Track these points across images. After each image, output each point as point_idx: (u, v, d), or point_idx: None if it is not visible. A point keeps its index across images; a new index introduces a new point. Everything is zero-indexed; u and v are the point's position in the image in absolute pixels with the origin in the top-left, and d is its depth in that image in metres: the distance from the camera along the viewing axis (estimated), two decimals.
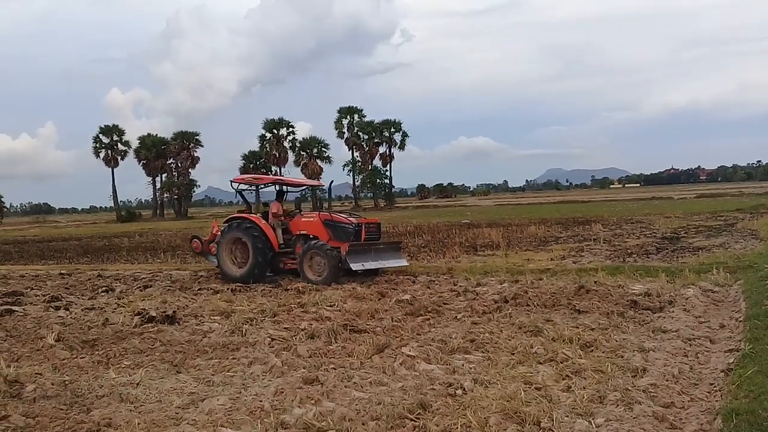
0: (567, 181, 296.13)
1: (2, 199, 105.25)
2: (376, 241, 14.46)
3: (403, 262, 14.72)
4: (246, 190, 16.66)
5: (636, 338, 7.40)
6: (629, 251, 16.66)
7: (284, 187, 16.17)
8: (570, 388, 5.68)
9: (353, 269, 13.32)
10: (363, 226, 14.18)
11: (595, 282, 11.15)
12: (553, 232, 24.78)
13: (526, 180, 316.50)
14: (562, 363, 6.45)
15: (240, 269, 14.47)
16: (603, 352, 6.84)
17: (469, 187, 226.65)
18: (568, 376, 6.04)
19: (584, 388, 5.65)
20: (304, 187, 17.78)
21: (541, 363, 6.52)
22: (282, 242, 14.67)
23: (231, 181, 15.76)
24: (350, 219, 14.52)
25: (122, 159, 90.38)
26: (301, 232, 14.46)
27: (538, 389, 5.64)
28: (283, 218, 15.11)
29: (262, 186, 17.43)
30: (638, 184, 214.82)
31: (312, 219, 14.52)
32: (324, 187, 17.58)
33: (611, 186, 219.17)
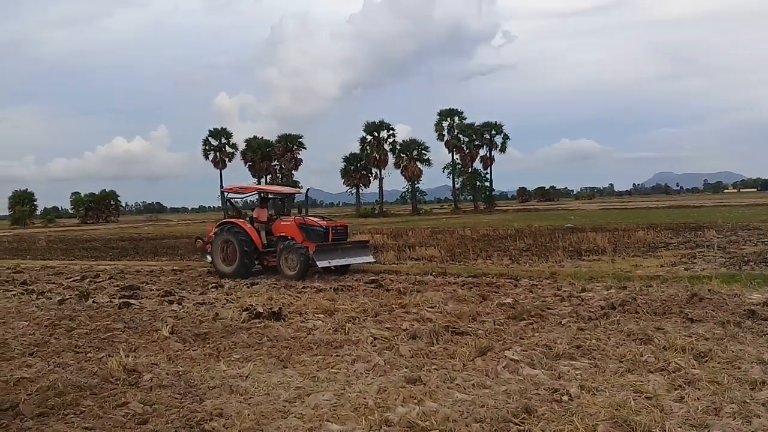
0: (677, 185, 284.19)
1: (118, 199, 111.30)
2: (342, 241, 16.53)
3: (369, 259, 16.95)
4: (235, 197, 18.58)
5: (754, 349, 7.01)
6: (746, 259, 15.80)
7: (267, 194, 18.17)
8: (683, 398, 5.46)
9: (320, 266, 15.40)
10: (331, 229, 16.28)
11: (709, 290, 10.65)
12: (662, 238, 23.83)
13: (634, 184, 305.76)
14: (674, 372, 6.20)
15: (229, 266, 16.44)
16: (718, 363, 6.51)
17: (572, 191, 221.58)
18: (680, 386, 5.80)
19: (698, 399, 5.41)
20: (285, 194, 19.52)
21: (651, 372, 6.28)
22: (266, 242, 16.65)
23: (221, 190, 17.73)
24: (321, 222, 16.65)
25: (229, 161, 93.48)
26: (281, 234, 16.57)
27: (649, 398, 5.45)
28: (266, 222, 16.99)
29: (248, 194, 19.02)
30: (755, 189, 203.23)
31: (289, 223, 16.59)
32: (302, 195, 19.73)
33: (725, 191, 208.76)
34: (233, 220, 17.22)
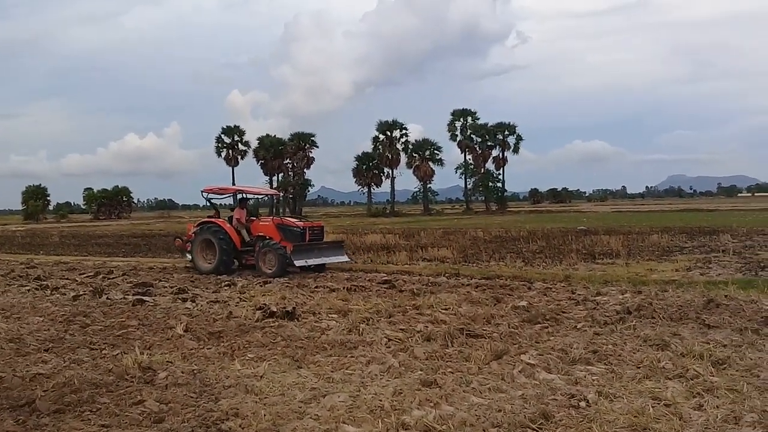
0: (690, 188, 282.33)
1: (131, 195, 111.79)
2: (319, 241, 17.22)
3: (344, 258, 17.59)
4: (215, 198, 18.99)
5: None
6: (762, 264, 15.66)
7: (246, 196, 18.91)
8: (702, 406, 5.40)
9: (297, 265, 16.04)
10: (308, 229, 16.94)
11: (726, 296, 10.53)
12: (677, 242, 23.69)
13: (646, 186, 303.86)
14: (692, 380, 6.13)
15: (209, 264, 17.04)
16: (737, 371, 6.44)
17: (585, 193, 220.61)
18: (699, 393, 5.73)
19: (717, 407, 5.35)
20: (263, 196, 20.20)
21: (669, 378, 6.23)
22: (248, 241, 17.22)
23: (201, 191, 18.35)
24: (298, 223, 17.45)
25: (242, 158, 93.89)
26: (259, 233, 17.14)
27: (668, 406, 5.39)
28: (246, 222, 17.62)
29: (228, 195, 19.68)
30: None
31: (268, 223, 17.31)
32: (280, 196, 20.02)
33: (739, 194, 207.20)
34: (213, 219, 17.81)
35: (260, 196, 19.90)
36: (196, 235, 17.56)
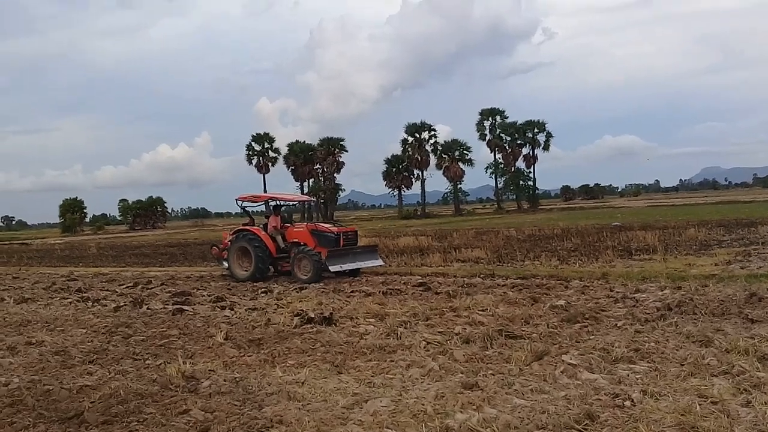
0: (725, 180, 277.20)
1: (165, 205, 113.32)
2: (353, 246, 17.21)
3: (378, 262, 17.49)
4: (249, 206, 19.25)
5: None
6: None
7: (279, 203, 18.91)
8: (750, 402, 5.31)
9: (332, 270, 16.07)
10: (342, 234, 16.95)
11: None
12: (714, 235, 23.32)
13: (680, 179, 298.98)
14: (738, 376, 6.03)
15: (245, 272, 17.18)
16: None
17: (617, 188, 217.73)
18: (746, 389, 5.64)
19: (766, 403, 5.25)
20: (296, 202, 20.30)
21: (715, 375, 6.13)
22: (282, 247, 17.30)
23: (236, 199, 18.65)
24: (332, 228, 17.41)
25: (272, 165, 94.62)
26: (294, 240, 17.23)
27: (715, 403, 5.31)
28: (279, 229, 17.66)
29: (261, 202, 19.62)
30: None
31: (302, 229, 17.36)
32: (312, 202, 20.87)
33: None
34: (248, 227, 17.91)
35: (293, 203, 19.95)
36: (231, 243, 17.72)
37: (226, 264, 17.94)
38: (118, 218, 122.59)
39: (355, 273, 16.94)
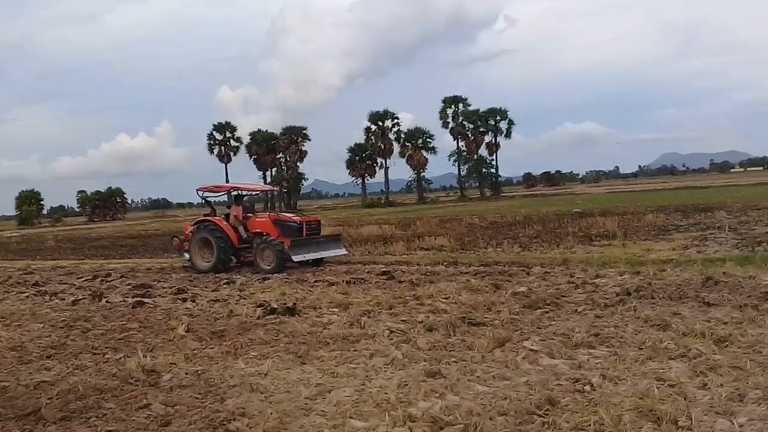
0: (683, 166, 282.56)
1: (125, 196, 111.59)
2: (316, 236, 17.17)
3: (342, 251, 17.57)
4: (210, 196, 19.08)
5: None
6: (758, 240, 15.71)
7: (241, 192, 18.70)
8: (706, 385, 5.42)
9: (295, 260, 15.99)
10: (304, 224, 16.87)
11: (724, 273, 10.59)
12: (672, 220, 23.76)
13: (639, 165, 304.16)
14: (695, 359, 6.15)
15: (207, 263, 16.94)
16: (739, 348, 6.47)
17: (578, 175, 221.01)
18: (703, 372, 5.76)
19: (722, 385, 5.37)
20: (258, 192, 20.13)
21: (672, 359, 6.25)
22: (245, 237, 17.15)
23: (197, 190, 18.30)
24: (295, 218, 17.39)
25: (235, 154, 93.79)
26: (256, 230, 17.07)
27: (672, 386, 5.41)
28: (242, 218, 17.51)
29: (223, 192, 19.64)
30: (762, 168, 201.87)
31: (264, 219, 17.25)
32: (275, 191, 19.80)
33: (732, 170, 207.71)
34: (209, 218, 17.67)
35: (255, 193, 19.76)
36: (193, 233, 17.51)
37: (187, 255, 17.72)
38: (77, 210, 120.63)
39: (318, 263, 16.85)
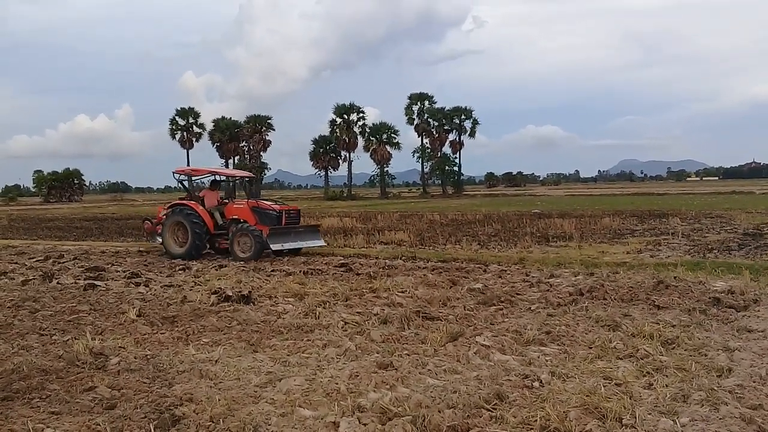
0: (641, 173, 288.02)
1: (82, 178, 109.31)
2: (295, 225, 16.92)
3: (320, 242, 17.31)
4: (186, 179, 18.41)
5: (720, 337, 7.14)
6: (710, 247, 16.12)
7: (219, 178, 18.42)
8: (652, 385, 5.53)
9: (273, 249, 15.79)
10: (284, 213, 16.56)
11: (675, 277, 10.80)
12: (628, 225, 24.17)
13: (599, 170, 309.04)
14: (642, 359, 6.28)
15: (181, 248, 16.54)
16: (685, 350, 6.62)
17: (539, 177, 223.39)
18: (649, 372, 5.87)
19: (667, 386, 5.48)
20: (237, 178, 19.66)
21: (620, 358, 6.37)
22: (221, 224, 16.83)
23: (173, 172, 17.80)
24: (274, 206, 16.91)
25: (197, 141, 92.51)
26: (233, 217, 16.74)
27: (619, 385, 5.51)
28: (217, 205, 17.30)
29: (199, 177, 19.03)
30: (717, 178, 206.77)
31: (242, 206, 16.81)
32: (253, 178, 20.37)
33: (688, 179, 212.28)
34: (185, 201, 17.25)
35: (234, 179, 19.40)
36: (167, 217, 17.01)
37: (160, 239, 17.28)
38: (32, 190, 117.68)
39: (295, 253, 16.54)
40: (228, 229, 16.55)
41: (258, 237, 15.66)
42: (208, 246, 17.02)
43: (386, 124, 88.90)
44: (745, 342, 6.93)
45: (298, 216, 17.42)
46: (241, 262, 14.95)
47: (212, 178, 18.14)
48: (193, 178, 18.56)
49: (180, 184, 18.46)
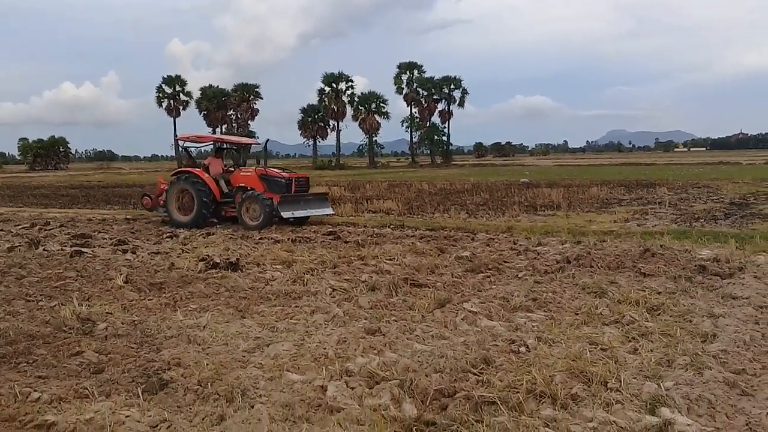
0: (630, 143, 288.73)
1: (68, 145, 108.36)
2: (304, 193, 16.53)
3: (329, 210, 17.05)
4: (191, 146, 18.35)
5: (705, 304, 7.20)
6: (696, 216, 16.21)
7: (224, 145, 18.22)
8: (637, 350, 5.58)
9: (284, 217, 15.48)
10: (293, 180, 16.21)
11: (661, 246, 10.86)
12: (616, 194, 24.26)
13: (587, 141, 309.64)
14: (628, 325, 6.33)
15: (186, 216, 16.26)
16: (670, 316, 6.68)
17: (528, 147, 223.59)
18: (634, 338, 5.92)
19: (652, 351, 5.53)
20: (243, 145, 19.35)
21: (606, 324, 6.41)
22: (226, 192, 16.56)
23: (176, 138, 17.27)
24: (283, 174, 16.54)
25: (184, 109, 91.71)
26: (240, 184, 16.42)
27: (604, 350, 5.55)
28: (222, 172, 17.05)
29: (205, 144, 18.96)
30: (704, 148, 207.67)
31: (249, 173, 16.49)
32: (261, 145, 19.79)
33: (676, 149, 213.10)
34: (190, 169, 16.98)
35: (240, 146, 19.15)
36: (171, 184, 16.73)
37: (164, 210, 17.00)
38: (18, 158, 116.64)
39: (302, 221, 16.27)
40: (234, 197, 16.30)
41: (268, 205, 15.40)
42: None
43: (375, 93, 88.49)
44: (730, 308, 6.99)
45: (307, 184, 16.99)
46: (229, 230, 14.89)
47: (217, 145, 17.87)
48: (199, 145, 18.32)
49: (184, 151, 18.19)
